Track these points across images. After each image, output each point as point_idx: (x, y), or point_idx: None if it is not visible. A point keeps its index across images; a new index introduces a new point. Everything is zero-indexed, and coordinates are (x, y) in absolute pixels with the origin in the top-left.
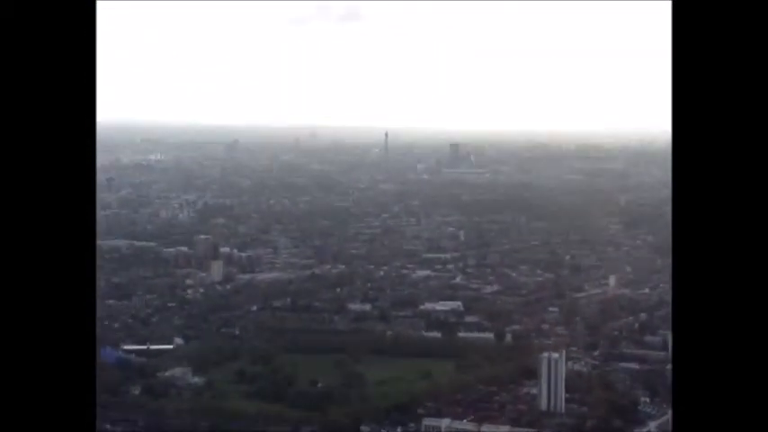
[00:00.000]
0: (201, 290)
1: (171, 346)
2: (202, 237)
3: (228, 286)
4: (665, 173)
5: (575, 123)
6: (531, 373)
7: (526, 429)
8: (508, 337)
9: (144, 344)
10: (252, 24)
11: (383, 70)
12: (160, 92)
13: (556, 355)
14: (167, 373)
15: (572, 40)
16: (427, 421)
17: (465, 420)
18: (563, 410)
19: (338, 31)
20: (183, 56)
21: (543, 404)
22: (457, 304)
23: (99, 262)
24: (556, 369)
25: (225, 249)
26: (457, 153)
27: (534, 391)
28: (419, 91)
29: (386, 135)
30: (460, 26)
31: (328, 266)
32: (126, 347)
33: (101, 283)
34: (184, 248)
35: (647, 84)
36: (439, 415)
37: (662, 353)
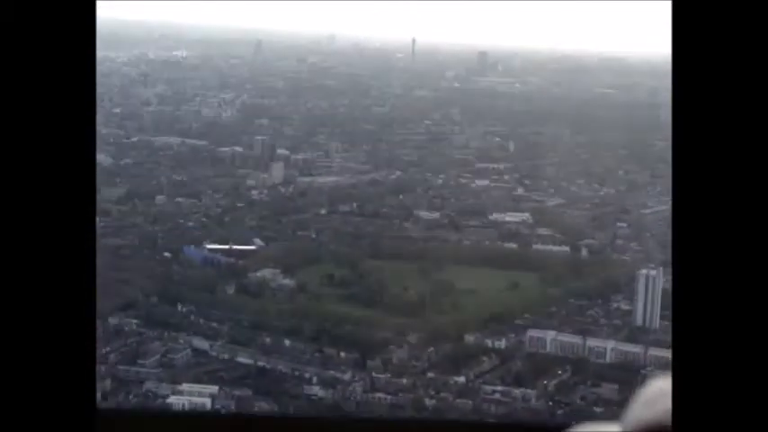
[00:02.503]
0: (265, 191)
1: (253, 247)
2: (258, 138)
3: (291, 188)
4: None
5: (593, 38)
6: (617, 288)
7: (632, 345)
8: (584, 252)
9: (224, 243)
10: None
11: None
12: None
13: (654, 271)
14: (258, 274)
15: None
16: (532, 333)
17: (568, 333)
18: (658, 326)
19: None
20: None
21: (638, 320)
22: (525, 216)
23: (155, 158)
24: (654, 285)
25: (279, 151)
26: (485, 61)
27: (624, 306)
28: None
29: (413, 41)
30: None
31: (384, 172)
32: (210, 247)
33: (162, 180)
34: (239, 149)
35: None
36: (536, 327)
37: None
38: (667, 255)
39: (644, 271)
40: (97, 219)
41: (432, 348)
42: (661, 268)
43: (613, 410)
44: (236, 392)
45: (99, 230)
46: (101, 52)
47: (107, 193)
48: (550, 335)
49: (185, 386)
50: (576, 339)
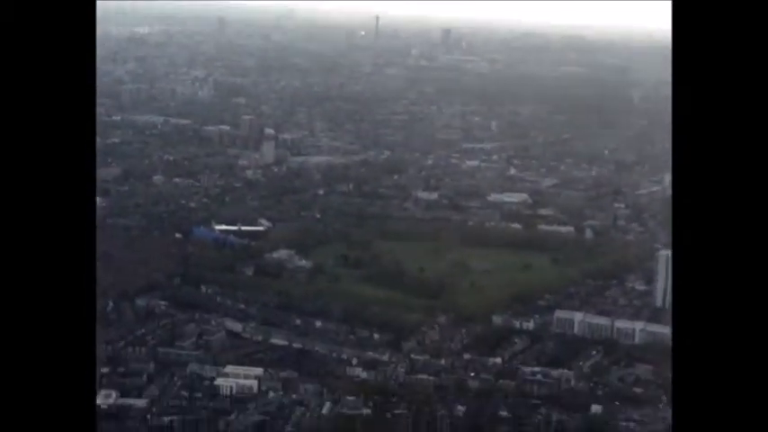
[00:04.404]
0: (259, 171)
1: (262, 228)
2: (245, 117)
3: (284, 168)
4: (662, 70)
5: (550, 14)
6: (630, 269)
7: (660, 326)
8: (588, 232)
9: (228, 224)
10: None
11: None
12: None
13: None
14: (274, 255)
15: None
16: (559, 314)
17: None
18: None
19: None
20: None
21: (659, 301)
22: (524, 196)
23: (142, 137)
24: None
25: (266, 130)
26: (449, 39)
27: (639, 286)
28: None
29: (377, 18)
30: None
31: (374, 152)
32: (219, 228)
33: (154, 159)
34: (226, 128)
35: None
36: (557, 307)
37: None
38: (670, 236)
39: (663, 252)
40: (97, 198)
41: (463, 330)
42: None
43: (653, 391)
44: (282, 374)
45: (101, 210)
46: None
47: (103, 173)
48: (578, 316)
49: (230, 368)
50: (604, 321)
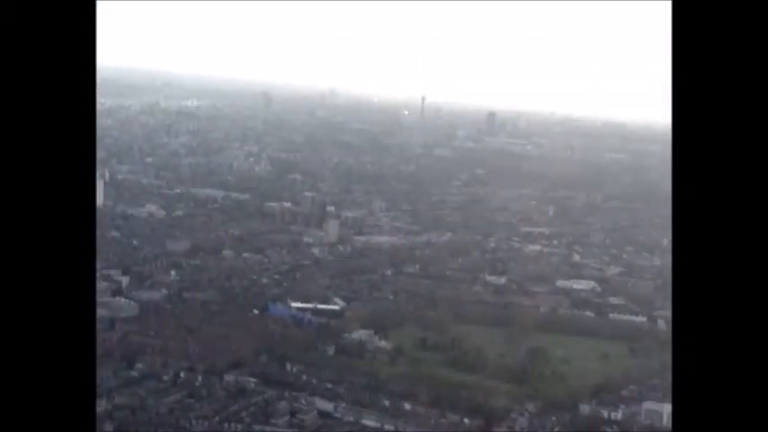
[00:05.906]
0: (326, 249)
1: (337, 307)
2: (308, 194)
3: (348, 247)
4: None
5: (590, 102)
6: None
7: None
8: (661, 323)
9: (302, 301)
10: None
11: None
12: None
13: None
14: (354, 336)
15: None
16: (647, 405)
17: None
18: None
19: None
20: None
21: None
22: (592, 284)
23: (205, 211)
24: None
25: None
26: (494, 122)
27: None
28: (418, 61)
29: (422, 99)
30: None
31: (435, 234)
32: (296, 305)
33: (220, 233)
34: (288, 204)
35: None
36: (642, 398)
37: None
38: None
39: None
40: (171, 271)
41: (553, 417)
42: None
43: None
44: None
45: (176, 283)
46: (113, 100)
47: (173, 246)
48: (667, 408)
49: None
50: None
